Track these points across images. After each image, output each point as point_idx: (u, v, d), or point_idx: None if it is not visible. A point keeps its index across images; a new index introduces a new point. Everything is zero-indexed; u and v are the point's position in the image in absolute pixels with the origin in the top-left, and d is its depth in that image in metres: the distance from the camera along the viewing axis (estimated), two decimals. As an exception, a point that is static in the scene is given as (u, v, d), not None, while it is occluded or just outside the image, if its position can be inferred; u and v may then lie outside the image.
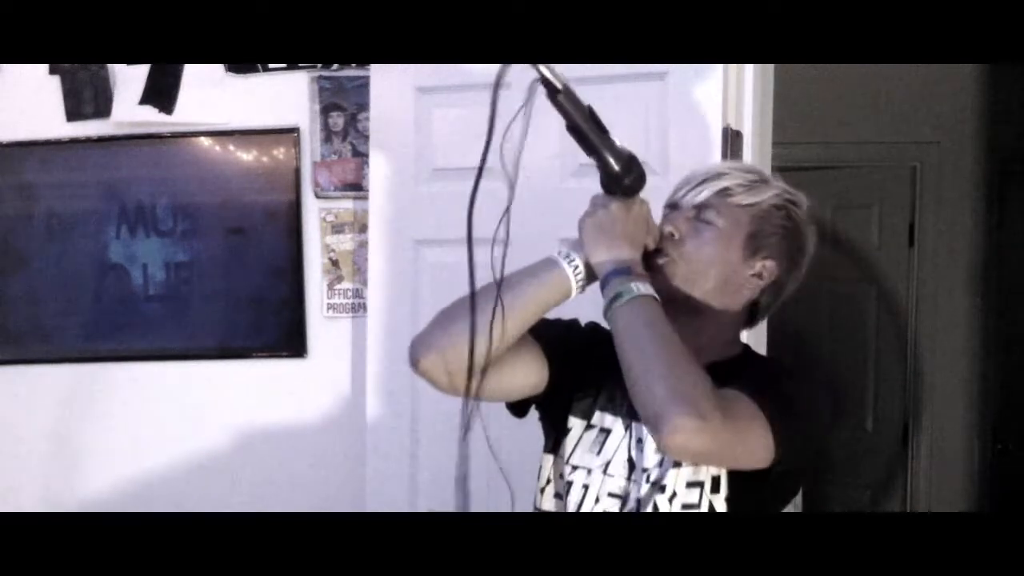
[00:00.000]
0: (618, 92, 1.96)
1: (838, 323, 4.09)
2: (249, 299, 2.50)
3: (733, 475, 1.28)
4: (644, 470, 1.32)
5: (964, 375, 3.87)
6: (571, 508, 1.35)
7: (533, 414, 1.45)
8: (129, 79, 2.45)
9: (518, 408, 1.44)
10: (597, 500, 1.34)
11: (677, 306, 1.30)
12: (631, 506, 1.32)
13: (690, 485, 1.29)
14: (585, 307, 1.36)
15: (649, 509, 1.30)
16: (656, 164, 1.92)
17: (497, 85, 1.17)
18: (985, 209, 3.82)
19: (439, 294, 2.09)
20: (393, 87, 2.21)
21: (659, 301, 1.24)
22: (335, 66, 2.41)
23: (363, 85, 2.34)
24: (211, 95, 2.45)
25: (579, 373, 1.39)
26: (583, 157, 1.28)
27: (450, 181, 2.11)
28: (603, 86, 1.95)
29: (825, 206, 3.90)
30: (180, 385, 2.53)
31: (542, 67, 1.20)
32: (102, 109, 2.49)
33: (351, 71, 2.40)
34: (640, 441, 1.33)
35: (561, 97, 1.22)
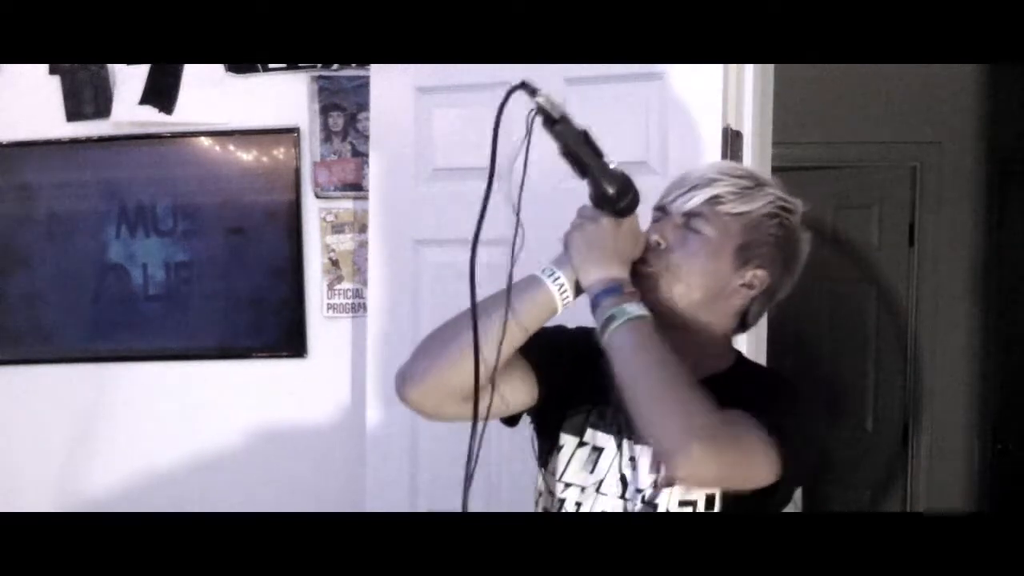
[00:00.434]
0: (618, 92, 1.96)
1: (838, 323, 4.09)
2: (249, 299, 2.49)
3: (727, 493, 1.26)
4: (638, 490, 1.30)
5: (964, 375, 3.87)
6: None
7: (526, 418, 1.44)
8: (129, 79, 2.45)
9: (509, 419, 1.42)
10: None
11: (664, 318, 1.26)
12: None
13: (683, 504, 1.28)
14: (580, 308, 1.35)
15: None
16: (656, 164, 1.92)
17: (500, 112, 1.16)
18: (985, 209, 3.81)
19: (439, 294, 2.12)
20: (393, 87, 2.21)
21: (652, 321, 1.21)
22: (335, 66, 2.41)
23: (363, 85, 2.34)
24: (211, 95, 2.45)
25: (570, 388, 1.36)
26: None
27: (450, 181, 2.11)
28: (603, 86, 1.96)
29: (825, 206, 3.90)
30: (180, 385, 2.52)
31: (539, 98, 1.20)
32: (102, 109, 2.49)
33: (351, 71, 2.40)
34: (633, 459, 1.31)
35: (559, 127, 1.21)
